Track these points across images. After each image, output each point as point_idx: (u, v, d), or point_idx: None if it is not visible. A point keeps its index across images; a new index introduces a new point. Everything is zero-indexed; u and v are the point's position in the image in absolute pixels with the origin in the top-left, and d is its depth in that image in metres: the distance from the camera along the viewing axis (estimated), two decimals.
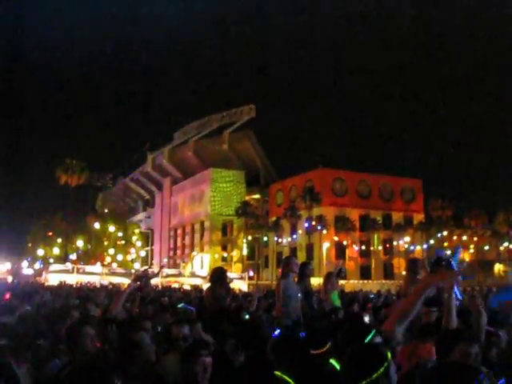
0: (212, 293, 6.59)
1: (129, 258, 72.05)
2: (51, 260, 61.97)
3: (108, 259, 66.51)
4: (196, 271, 58.86)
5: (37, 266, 62.59)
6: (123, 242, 72.03)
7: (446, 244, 61.20)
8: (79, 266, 47.92)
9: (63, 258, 59.98)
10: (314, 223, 60.50)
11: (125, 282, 34.71)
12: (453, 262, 4.02)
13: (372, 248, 65.01)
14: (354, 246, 63.71)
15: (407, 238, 64.44)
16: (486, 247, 67.48)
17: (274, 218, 66.20)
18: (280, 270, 7.05)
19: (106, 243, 70.26)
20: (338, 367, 2.99)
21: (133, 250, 74.58)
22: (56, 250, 65.76)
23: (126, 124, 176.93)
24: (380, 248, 65.49)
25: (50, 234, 70.28)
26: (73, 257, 62.22)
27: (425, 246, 62.39)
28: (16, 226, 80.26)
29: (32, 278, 48.29)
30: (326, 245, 60.80)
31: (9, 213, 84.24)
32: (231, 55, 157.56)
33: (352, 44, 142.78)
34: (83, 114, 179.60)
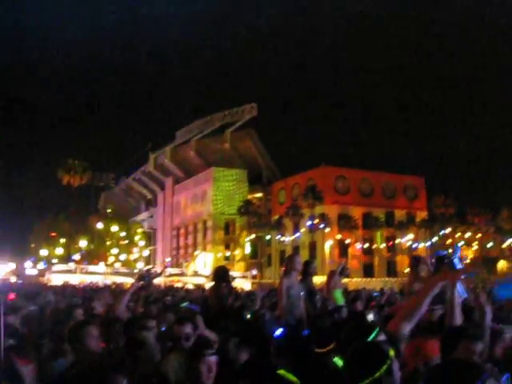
0: (215, 292, 6.59)
1: (132, 257, 72.24)
2: (54, 260, 62.17)
3: (111, 259, 66.73)
4: (199, 270, 58.98)
5: (40, 266, 62.75)
6: (126, 241, 72.23)
7: (449, 241, 61.04)
8: (82, 266, 48.07)
9: (66, 258, 60.21)
10: (316, 221, 60.45)
11: (128, 281, 34.77)
12: (455, 260, 4.01)
13: (375, 246, 64.90)
14: (357, 244, 63.62)
15: (410, 236, 64.28)
16: (490, 244, 67.26)
17: (276, 217, 66.19)
18: (283, 269, 7.04)
19: (108, 243, 70.45)
20: (341, 365, 2.98)
21: (136, 250, 74.79)
22: (59, 250, 66.00)
23: (127, 124, 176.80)
24: (383, 246, 65.37)
25: (53, 234, 70.48)
26: (76, 257, 62.39)
27: (428, 244, 62.17)
28: (19, 227, 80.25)
29: (36, 278, 48.43)
30: (328, 243, 60.79)
31: (12, 213, 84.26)
32: (231, 55, 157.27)
33: (352, 44, 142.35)
34: (84, 114, 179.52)
